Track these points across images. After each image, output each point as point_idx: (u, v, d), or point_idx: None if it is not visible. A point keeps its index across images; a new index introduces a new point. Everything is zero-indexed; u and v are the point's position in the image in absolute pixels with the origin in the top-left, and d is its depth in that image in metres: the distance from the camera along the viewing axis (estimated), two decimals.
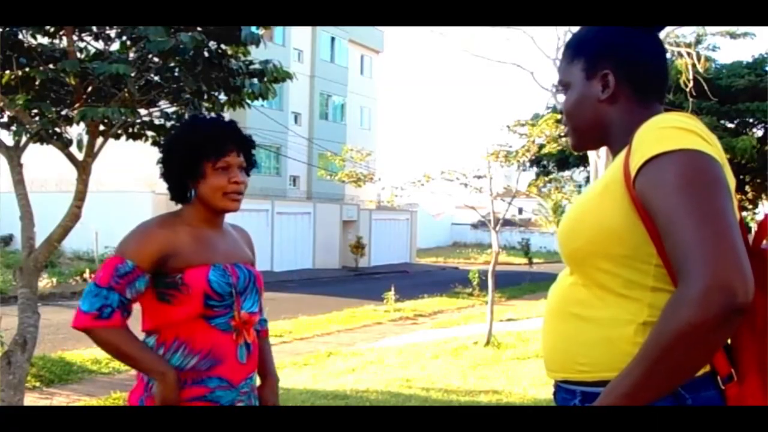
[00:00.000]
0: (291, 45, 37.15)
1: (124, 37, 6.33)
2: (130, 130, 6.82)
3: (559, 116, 14.98)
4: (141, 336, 2.47)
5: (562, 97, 1.93)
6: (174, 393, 2.29)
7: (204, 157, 2.42)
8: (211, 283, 2.38)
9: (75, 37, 6.23)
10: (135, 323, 2.42)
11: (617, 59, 1.79)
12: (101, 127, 6.42)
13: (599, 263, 1.69)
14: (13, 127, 6.23)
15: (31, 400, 8.13)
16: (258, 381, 2.66)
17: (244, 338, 2.46)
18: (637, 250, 1.64)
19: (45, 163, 17.49)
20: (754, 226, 1.86)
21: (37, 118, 6.19)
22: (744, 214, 25.42)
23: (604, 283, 1.69)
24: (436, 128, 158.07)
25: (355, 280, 31.53)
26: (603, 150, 23.00)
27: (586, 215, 1.73)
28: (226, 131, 2.49)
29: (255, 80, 6.63)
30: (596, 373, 1.68)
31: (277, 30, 34.63)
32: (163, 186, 2.61)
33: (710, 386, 1.64)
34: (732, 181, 1.65)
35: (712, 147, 1.60)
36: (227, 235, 2.59)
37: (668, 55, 2.23)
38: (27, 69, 5.98)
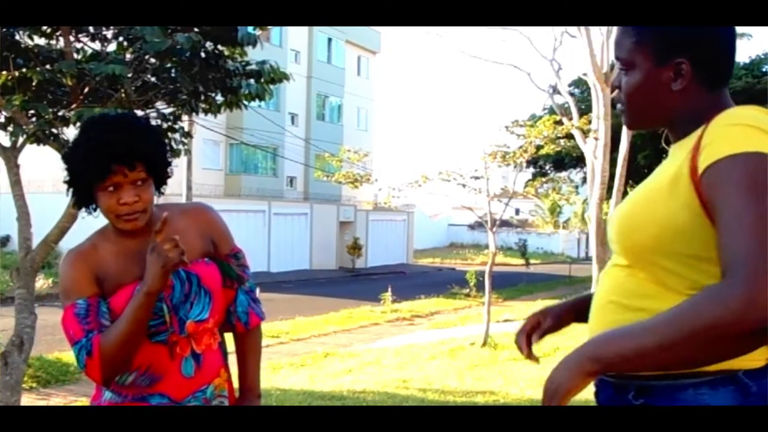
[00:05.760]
0: (288, 46, 37.14)
1: (121, 38, 6.32)
2: None
3: (557, 118, 15.02)
4: None
5: (616, 73, 1.81)
6: (157, 280, 2.11)
7: (91, 182, 2.16)
8: None
9: (72, 38, 6.23)
10: None
11: (694, 49, 1.69)
12: None
13: (662, 261, 1.64)
14: (10, 128, 6.22)
15: (28, 401, 8.13)
16: (225, 383, 2.41)
17: (190, 349, 2.27)
18: (706, 251, 1.58)
19: (42, 164, 17.46)
20: None
21: (33, 119, 6.18)
22: None
23: (667, 282, 1.64)
24: (433, 129, 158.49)
25: (351, 280, 31.54)
26: (600, 150, 22.95)
27: (651, 209, 1.65)
28: (109, 148, 2.12)
29: (252, 81, 6.62)
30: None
31: (274, 31, 34.64)
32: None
33: None
34: None
35: None
36: None
37: None
38: (24, 70, 5.98)
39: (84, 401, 8.68)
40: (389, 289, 19.68)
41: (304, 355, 12.45)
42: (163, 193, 2.32)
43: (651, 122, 1.84)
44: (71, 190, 2.24)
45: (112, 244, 2.26)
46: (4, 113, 6.33)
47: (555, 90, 29.90)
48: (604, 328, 1.71)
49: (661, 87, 1.73)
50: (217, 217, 2.45)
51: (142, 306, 2.12)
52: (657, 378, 1.63)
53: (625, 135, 19.31)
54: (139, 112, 6.55)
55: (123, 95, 6.09)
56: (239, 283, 2.43)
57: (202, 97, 6.65)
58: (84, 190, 2.20)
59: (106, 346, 2.13)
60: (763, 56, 28.19)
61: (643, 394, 1.65)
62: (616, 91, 1.83)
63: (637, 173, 35.05)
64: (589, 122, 18.99)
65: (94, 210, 2.25)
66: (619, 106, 1.85)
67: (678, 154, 1.68)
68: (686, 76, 1.69)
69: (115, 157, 2.12)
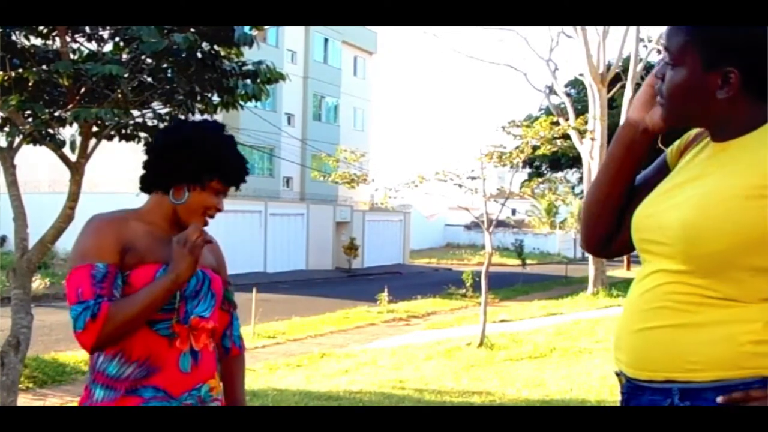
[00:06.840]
0: (284, 46, 37.12)
1: (117, 38, 6.33)
2: (123, 131, 6.81)
3: (554, 118, 15.03)
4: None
5: (667, 70, 1.74)
6: (188, 268, 2.23)
7: (219, 174, 2.32)
8: None
9: (68, 38, 6.23)
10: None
11: (746, 58, 1.63)
12: (94, 129, 6.41)
13: (733, 271, 1.59)
14: (7, 128, 6.23)
15: (24, 401, 8.11)
16: (219, 386, 2.41)
17: (189, 345, 2.28)
18: None
19: (38, 165, 17.46)
20: None
21: (30, 120, 6.18)
22: None
23: (730, 290, 1.60)
24: (430, 129, 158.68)
25: (348, 281, 31.54)
26: (597, 151, 22.89)
27: (727, 218, 1.59)
28: (245, 165, 2.39)
29: (248, 81, 6.62)
30: (709, 372, 1.59)
31: (271, 31, 34.60)
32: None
33: None
34: None
35: None
36: None
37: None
38: (20, 70, 5.97)
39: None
40: (385, 290, 19.67)
41: (300, 355, 12.46)
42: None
43: (689, 122, 1.80)
44: (186, 165, 2.30)
45: (145, 223, 2.33)
46: (0, 114, 6.33)
47: (551, 90, 29.97)
48: (655, 334, 1.68)
49: (706, 92, 1.67)
50: (220, 249, 2.61)
51: (167, 291, 2.20)
52: (705, 379, 1.59)
53: None
54: (136, 113, 6.56)
55: (119, 95, 6.09)
56: (233, 308, 2.59)
57: (199, 98, 6.65)
58: (203, 175, 2.30)
59: (115, 316, 2.13)
60: None
61: (689, 397, 1.61)
62: (658, 82, 1.77)
63: None
64: (586, 123, 19.02)
65: (161, 191, 2.34)
66: (658, 98, 1.78)
67: (738, 158, 1.65)
68: (734, 85, 1.64)
69: (245, 175, 2.40)
